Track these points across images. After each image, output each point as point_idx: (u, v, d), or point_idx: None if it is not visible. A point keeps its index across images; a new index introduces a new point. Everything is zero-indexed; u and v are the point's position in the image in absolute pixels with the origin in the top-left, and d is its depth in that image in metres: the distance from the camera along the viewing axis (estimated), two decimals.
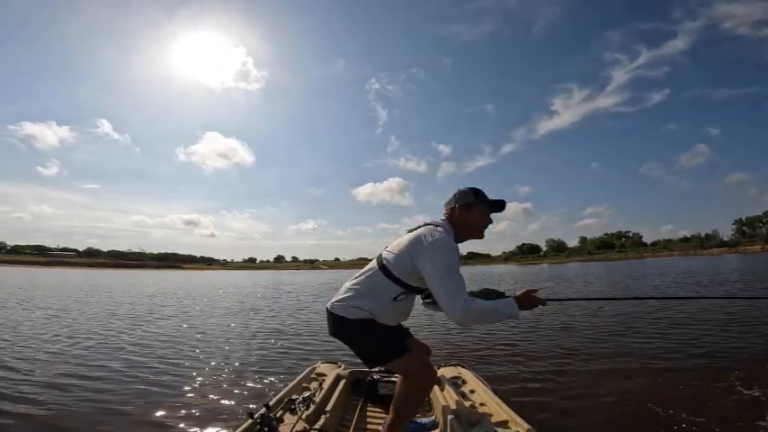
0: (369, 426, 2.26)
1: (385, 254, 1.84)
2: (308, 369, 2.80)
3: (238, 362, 4.59)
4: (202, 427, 2.78)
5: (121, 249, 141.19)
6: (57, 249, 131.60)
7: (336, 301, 1.83)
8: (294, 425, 1.90)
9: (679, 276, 17.38)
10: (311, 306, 11.18)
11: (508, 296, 1.73)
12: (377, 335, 1.79)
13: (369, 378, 2.62)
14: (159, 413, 3.02)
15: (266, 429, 1.87)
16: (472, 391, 2.34)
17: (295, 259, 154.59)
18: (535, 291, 1.74)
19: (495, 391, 2.36)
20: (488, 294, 1.80)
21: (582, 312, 7.56)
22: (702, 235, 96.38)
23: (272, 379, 3.88)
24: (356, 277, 1.87)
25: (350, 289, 1.83)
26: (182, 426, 2.79)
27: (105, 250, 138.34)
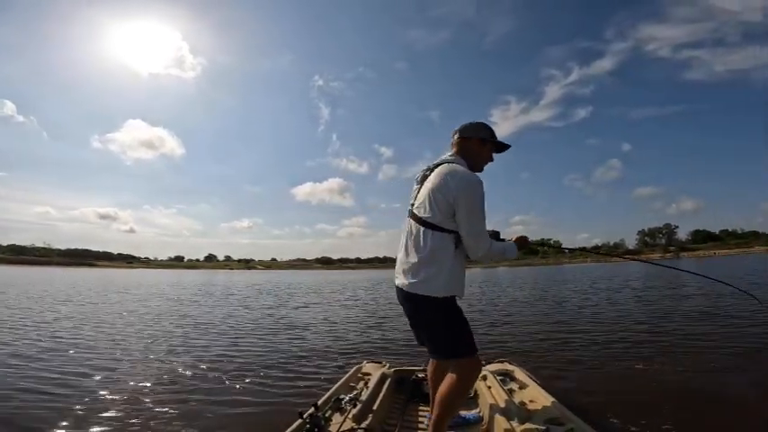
0: (414, 424, 2.29)
1: (418, 210, 1.83)
2: (353, 369, 2.83)
3: (281, 364, 4.52)
4: (253, 426, 2.79)
5: (23, 244, 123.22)
6: None
7: (410, 279, 1.77)
8: (341, 424, 1.94)
9: (589, 279, 19.43)
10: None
11: (504, 239, 2.02)
12: (460, 320, 1.80)
13: (413, 377, 2.67)
14: (209, 414, 3.02)
15: (315, 429, 1.90)
16: (521, 388, 2.36)
17: (228, 258, 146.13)
18: (526, 237, 2.06)
19: (547, 388, 2.32)
20: (495, 236, 2.00)
21: (647, 307, 7.89)
22: (611, 244, 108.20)
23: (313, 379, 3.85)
24: (407, 248, 1.83)
25: (414, 262, 1.77)
26: (234, 425, 2.82)
27: (5, 244, 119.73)
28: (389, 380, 2.57)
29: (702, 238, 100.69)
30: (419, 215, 1.82)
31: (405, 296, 1.85)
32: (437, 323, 1.80)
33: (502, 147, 2.02)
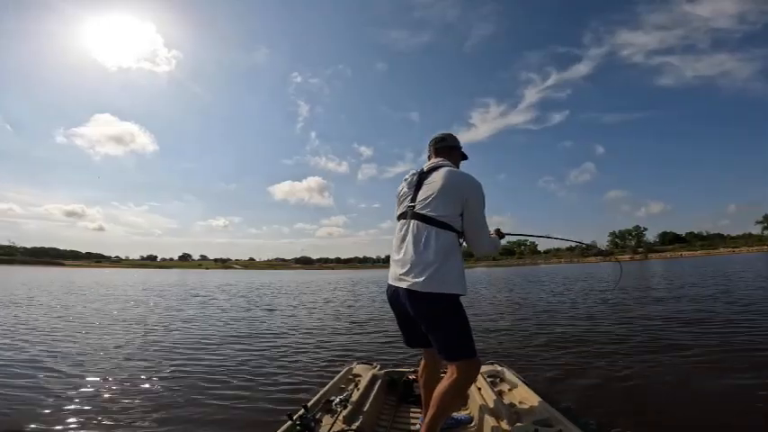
0: (405, 426, 2.28)
1: (424, 210, 1.84)
2: (344, 370, 2.81)
3: (265, 365, 4.45)
4: (242, 428, 2.75)
5: None
6: None
7: (421, 277, 1.75)
8: (332, 425, 1.93)
9: (558, 278, 20.02)
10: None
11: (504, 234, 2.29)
12: (467, 320, 1.82)
13: (404, 378, 2.67)
14: (196, 415, 2.98)
15: (305, 430, 1.89)
16: (511, 389, 2.39)
17: (204, 258, 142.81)
18: (499, 229, 2.25)
19: (536, 389, 2.34)
20: (498, 233, 2.27)
21: (640, 310, 7.85)
22: (584, 245, 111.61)
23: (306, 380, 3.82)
24: (412, 248, 1.81)
25: (424, 261, 1.76)
26: (223, 427, 2.78)
27: None
28: (380, 381, 2.58)
29: (670, 239, 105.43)
30: (427, 215, 1.82)
31: (413, 296, 1.78)
32: (449, 322, 1.78)
33: (464, 158, 2.22)
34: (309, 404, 2.07)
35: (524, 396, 2.26)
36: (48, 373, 4.09)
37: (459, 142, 2.15)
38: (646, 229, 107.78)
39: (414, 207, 1.90)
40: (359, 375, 2.69)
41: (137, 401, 3.28)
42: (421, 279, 1.74)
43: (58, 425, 2.80)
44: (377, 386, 2.49)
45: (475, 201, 1.86)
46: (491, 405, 2.10)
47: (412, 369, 2.76)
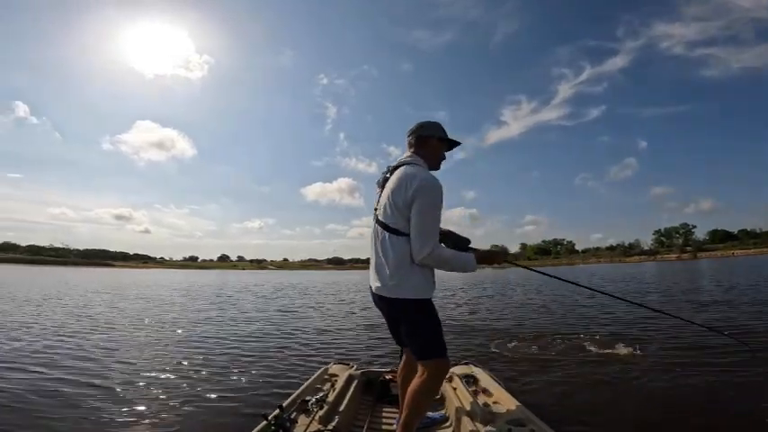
0: (381, 426, 2.29)
1: (380, 215, 1.85)
2: (320, 370, 2.81)
3: (249, 365, 4.51)
4: (217, 429, 2.76)
5: (42, 244, 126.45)
6: None
7: (383, 283, 1.81)
8: (308, 425, 1.93)
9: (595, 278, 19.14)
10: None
11: (475, 249, 1.93)
12: (432, 322, 1.82)
13: (381, 378, 2.67)
14: (171, 416, 2.95)
15: (280, 430, 1.88)
16: (485, 390, 2.39)
17: (241, 259, 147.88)
18: (501, 251, 1.96)
19: (510, 390, 2.39)
20: (458, 241, 1.94)
21: (607, 317, 7.79)
22: (626, 244, 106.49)
23: (285, 380, 3.82)
24: (377, 253, 1.85)
25: (384, 267, 1.80)
26: (197, 428, 2.78)
27: (23, 245, 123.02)
28: (357, 381, 2.58)
29: (720, 237, 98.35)
30: (383, 221, 1.83)
31: (384, 301, 1.87)
32: (410, 325, 1.84)
33: (453, 144, 2.03)
34: (285, 404, 2.08)
35: (499, 397, 2.28)
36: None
37: (436, 129, 1.95)
38: (695, 227, 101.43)
39: (377, 211, 1.91)
40: (335, 375, 2.68)
41: (104, 401, 3.28)
42: (387, 285, 1.80)
43: None
44: (353, 386, 2.49)
45: (419, 203, 1.72)
46: (466, 405, 2.12)
47: (389, 369, 2.77)
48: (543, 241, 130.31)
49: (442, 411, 2.35)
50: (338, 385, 2.43)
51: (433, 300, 1.87)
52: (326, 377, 2.65)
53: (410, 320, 1.84)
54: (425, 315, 1.82)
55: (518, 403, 2.11)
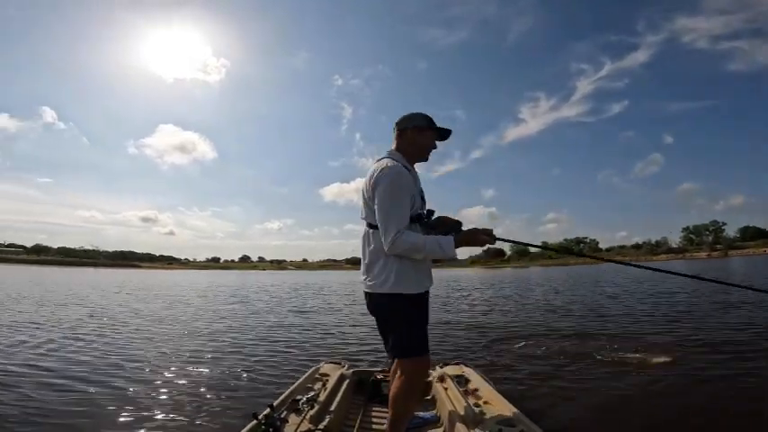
0: (373, 425, 2.28)
1: (362, 213, 1.87)
2: (311, 369, 2.81)
3: (242, 362, 4.54)
4: (207, 428, 2.74)
5: (72, 246, 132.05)
6: (3, 245, 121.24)
7: (365, 278, 1.83)
8: (298, 425, 1.92)
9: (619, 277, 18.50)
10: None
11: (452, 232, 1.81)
12: (412, 319, 1.76)
13: (372, 378, 2.66)
14: (160, 415, 2.96)
15: (271, 430, 1.86)
16: (476, 389, 2.37)
17: (261, 259, 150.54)
18: (483, 229, 1.76)
19: (500, 390, 2.38)
20: (450, 227, 1.85)
21: (595, 316, 7.79)
22: (653, 242, 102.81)
23: (276, 380, 3.82)
24: (362, 249, 1.88)
25: (366, 262, 1.82)
26: (187, 427, 2.76)
27: (55, 247, 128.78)
28: (348, 381, 2.57)
29: (752, 235, 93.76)
30: (362, 218, 1.87)
31: (367, 297, 1.88)
32: (396, 320, 1.79)
33: (444, 133, 1.96)
34: (275, 403, 2.08)
35: (489, 397, 2.26)
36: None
37: (413, 119, 1.89)
38: (725, 224, 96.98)
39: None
40: (327, 375, 2.66)
41: (98, 400, 3.28)
42: (369, 281, 1.80)
43: None
44: (344, 386, 2.48)
45: (377, 193, 1.70)
46: (456, 405, 2.12)
47: (380, 369, 2.75)
48: (565, 240, 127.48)
49: (434, 412, 2.34)
50: (329, 385, 2.42)
51: (424, 295, 1.83)
52: (318, 376, 2.64)
53: (385, 316, 1.83)
54: (402, 310, 1.75)
55: (509, 404, 2.10)
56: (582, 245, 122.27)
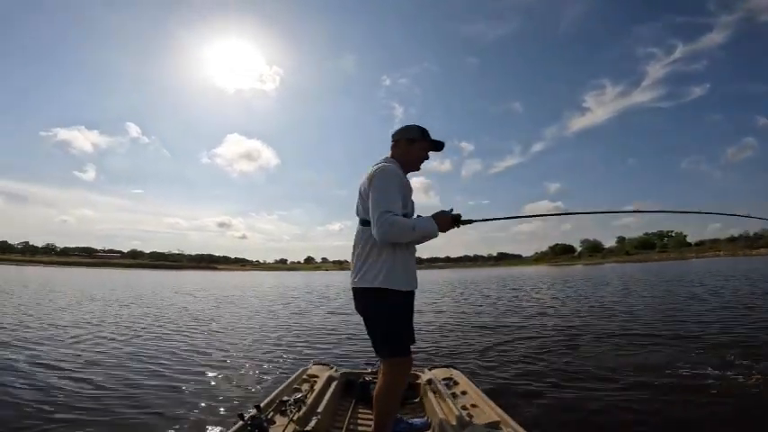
0: (360, 427, 2.26)
1: (357, 212, 1.92)
2: (299, 371, 2.82)
3: (238, 359, 4.64)
4: (192, 428, 2.72)
5: (162, 251, 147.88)
6: (103, 251, 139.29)
7: (354, 275, 1.85)
8: (285, 426, 1.92)
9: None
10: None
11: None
12: (397, 318, 1.77)
13: (360, 380, 2.63)
14: (146, 415, 2.94)
15: (257, 431, 1.88)
16: (464, 393, 2.35)
17: (325, 260, 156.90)
18: (443, 213, 1.80)
19: (487, 393, 2.36)
20: (455, 219, 1.87)
21: (584, 315, 7.50)
22: (752, 234, 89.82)
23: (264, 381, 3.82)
24: (353, 248, 1.93)
25: (356, 260, 1.86)
26: (171, 427, 2.72)
27: (148, 252, 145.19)
28: (336, 382, 2.55)
29: None
30: (357, 216, 1.92)
31: (354, 293, 1.88)
32: (378, 318, 1.81)
33: (437, 144, 2.03)
34: (262, 405, 2.10)
35: (476, 400, 2.26)
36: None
37: (406, 132, 1.98)
38: None
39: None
40: (315, 376, 2.66)
41: (93, 399, 3.26)
42: (356, 277, 1.83)
43: None
44: (332, 387, 2.46)
45: (372, 187, 1.76)
46: (445, 409, 2.11)
47: (369, 370, 2.72)
48: (646, 233, 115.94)
49: (424, 419, 2.29)
50: (317, 386, 2.41)
51: (410, 294, 1.84)
52: (305, 378, 2.64)
53: (369, 313, 1.84)
54: (385, 307, 1.76)
55: (496, 407, 2.09)
56: (666, 239, 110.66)
